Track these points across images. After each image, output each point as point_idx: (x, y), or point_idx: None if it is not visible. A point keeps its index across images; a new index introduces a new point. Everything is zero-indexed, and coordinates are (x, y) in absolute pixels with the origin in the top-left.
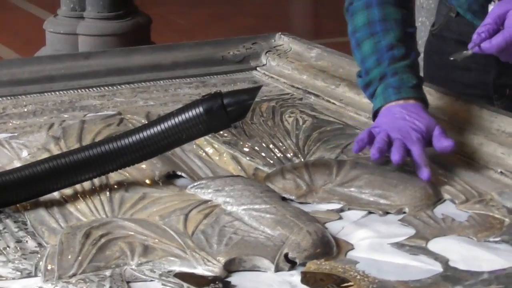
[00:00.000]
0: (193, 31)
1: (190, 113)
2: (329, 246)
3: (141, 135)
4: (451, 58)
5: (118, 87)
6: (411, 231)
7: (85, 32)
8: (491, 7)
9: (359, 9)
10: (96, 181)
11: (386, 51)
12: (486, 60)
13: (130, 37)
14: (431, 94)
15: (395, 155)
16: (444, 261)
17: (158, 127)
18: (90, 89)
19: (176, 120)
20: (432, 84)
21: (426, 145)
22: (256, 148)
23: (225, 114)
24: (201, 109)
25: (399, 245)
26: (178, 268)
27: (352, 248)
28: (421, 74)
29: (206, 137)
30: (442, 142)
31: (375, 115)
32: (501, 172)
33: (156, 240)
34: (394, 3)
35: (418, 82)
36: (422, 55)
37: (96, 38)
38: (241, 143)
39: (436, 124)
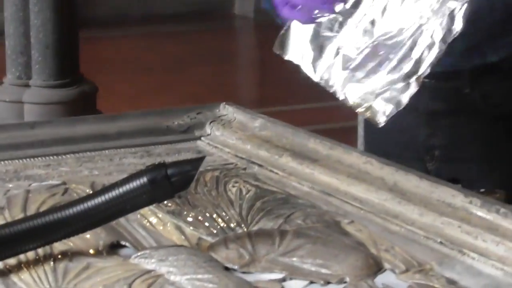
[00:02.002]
0: (139, 99)
1: (135, 183)
2: None
3: (86, 205)
4: None
5: (63, 156)
6: None
7: (31, 100)
8: None
9: None
10: (40, 250)
11: None
12: (416, 121)
13: (76, 105)
14: (373, 164)
15: None
16: None
17: (103, 197)
18: (35, 159)
19: (121, 190)
20: (373, 150)
21: None
22: (199, 218)
23: (169, 184)
24: (145, 179)
25: None
26: None
27: None
28: (361, 143)
29: (150, 206)
30: None
31: None
32: (440, 242)
33: None
34: None
35: None
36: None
37: (42, 106)
38: (185, 212)
39: None
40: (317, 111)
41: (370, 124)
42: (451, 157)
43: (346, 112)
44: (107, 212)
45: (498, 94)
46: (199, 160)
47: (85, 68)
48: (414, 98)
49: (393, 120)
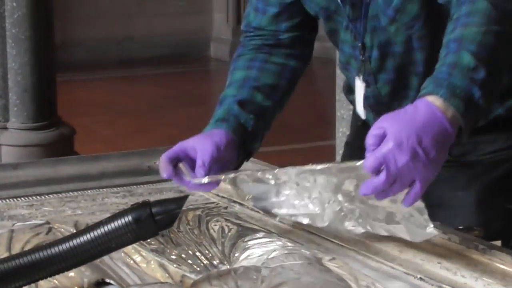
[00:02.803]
0: (117, 141)
1: (119, 222)
2: None
3: (71, 243)
4: None
5: (46, 196)
6: None
7: (8, 142)
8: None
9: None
10: None
11: (237, 105)
12: None
13: (54, 148)
14: None
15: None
16: None
17: (88, 236)
18: (18, 199)
19: (106, 229)
20: None
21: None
22: (183, 255)
23: (154, 222)
24: (130, 218)
25: None
26: None
27: None
28: None
29: (134, 245)
30: None
31: None
32: (420, 278)
33: None
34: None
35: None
36: None
37: (20, 149)
38: (168, 250)
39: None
40: (293, 152)
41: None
42: None
43: (323, 153)
44: (92, 251)
45: (462, 147)
46: (183, 198)
47: (62, 111)
48: None
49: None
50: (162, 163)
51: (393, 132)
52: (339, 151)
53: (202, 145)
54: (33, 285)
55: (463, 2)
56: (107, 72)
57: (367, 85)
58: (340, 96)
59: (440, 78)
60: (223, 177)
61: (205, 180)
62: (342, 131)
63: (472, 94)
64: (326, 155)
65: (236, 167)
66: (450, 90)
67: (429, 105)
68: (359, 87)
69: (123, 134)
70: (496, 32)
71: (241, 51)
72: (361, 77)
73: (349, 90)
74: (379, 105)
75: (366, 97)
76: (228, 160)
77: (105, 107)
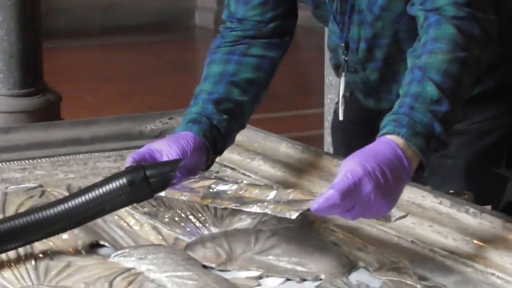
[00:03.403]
0: (102, 108)
1: (114, 185)
2: None
3: (65, 205)
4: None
5: (39, 160)
6: None
7: None
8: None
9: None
10: (21, 250)
11: (212, 103)
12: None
13: (41, 114)
14: None
15: None
16: None
17: (83, 198)
18: (11, 162)
19: (100, 191)
20: (340, 157)
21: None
22: (175, 218)
23: (148, 185)
24: (124, 180)
25: None
26: None
27: None
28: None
29: (127, 208)
30: None
31: None
32: (411, 241)
33: None
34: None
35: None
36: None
37: (6, 115)
38: (161, 214)
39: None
40: (283, 120)
41: (335, 135)
42: None
43: (311, 121)
44: (86, 213)
45: None
46: (177, 161)
47: (48, 78)
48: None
49: (359, 123)
50: (127, 165)
51: (358, 162)
52: (328, 117)
53: (168, 150)
54: (28, 246)
55: (429, 24)
56: (92, 40)
57: (355, 72)
58: (328, 63)
59: (402, 113)
60: (179, 194)
61: (163, 193)
62: (331, 98)
63: (433, 130)
64: (312, 123)
65: (206, 168)
66: (411, 128)
67: (390, 143)
68: (341, 85)
69: (108, 101)
70: (462, 58)
71: (220, 43)
72: (343, 75)
73: (336, 67)
74: (368, 88)
75: (354, 82)
76: (194, 165)
77: (90, 75)
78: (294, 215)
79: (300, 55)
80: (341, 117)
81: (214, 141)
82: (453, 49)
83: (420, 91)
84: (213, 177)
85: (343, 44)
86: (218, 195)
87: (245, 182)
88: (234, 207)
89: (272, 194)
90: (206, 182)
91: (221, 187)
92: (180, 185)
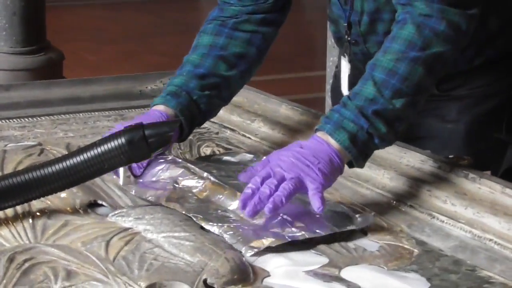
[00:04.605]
0: (103, 67)
1: (113, 144)
2: (246, 273)
3: (64, 164)
4: None
5: (38, 118)
6: (324, 260)
7: None
8: None
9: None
10: (19, 208)
11: (195, 78)
12: None
13: (43, 73)
14: None
15: None
16: None
17: (81, 157)
18: (11, 120)
19: (99, 150)
20: None
21: None
22: None
23: (146, 145)
24: (123, 139)
25: (313, 273)
26: None
27: (268, 275)
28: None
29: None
30: None
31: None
32: (410, 205)
33: (79, 265)
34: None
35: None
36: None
37: (8, 73)
38: None
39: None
40: (285, 82)
41: (335, 98)
42: (409, 136)
43: (314, 83)
44: (85, 171)
45: (452, 83)
46: (175, 122)
47: (50, 36)
48: None
49: None
50: None
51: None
52: (329, 80)
53: None
54: (25, 204)
55: (397, 22)
56: None
57: (356, 44)
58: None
59: (335, 109)
60: (147, 193)
61: (132, 191)
62: (333, 60)
63: (360, 126)
64: (315, 86)
65: (181, 140)
66: (336, 124)
67: (316, 138)
68: (345, 66)
69: (110, 60)
70: (413, 57)
71: (216, 15)
72: (346, 58)
73: (338, 38)
74: (367, 59)
75: (354, 53)
76: None
77: (92, 34)
78: (249, 253)
79: (304, 16)
80: (346, 92)
81: (192, 116)
82: (406, 49)
83: (360, 89)
84: (180, 161)
85: (346, 17)
86: (184, 193)
87: (211, 178)
88: (194, 219)
89: (234, 204)
90: (174, 172)
91: (187, 182)
92: (149, 172)
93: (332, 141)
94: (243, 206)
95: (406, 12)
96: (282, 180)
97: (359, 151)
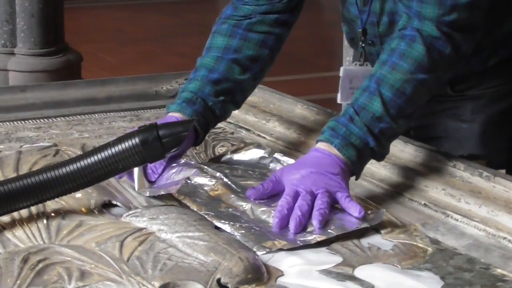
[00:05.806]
0: (122, 68)
1: (127, 144)
2: (260, 272)
3: (78, 164)
4: None
5: (54, 119)
6: (338, 259)
7: (16, 68)
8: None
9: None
10: (33, 208)
11: (210, 83)
12: None
13: (61, 74)
14: None
15: None
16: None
17: (95, 157)
18: (26, 121)
19: (113, 150)
20: None
21: None
22: None
23: (160, 145)
24: (137, 140)
25: (327, 272)
26: None
27: (282, 275)
28: None
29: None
30: None
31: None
32: (424, 204)
33: (93, 265)
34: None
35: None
36: None
37: (26, 74)
38: None
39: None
40: (303, 82)
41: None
42: (425, 136)
43: (332, 83)
44: (99, 172)
45: (466, 83)
46: (190, 122)
47: (68, 38)
48: None
49: None
50: None
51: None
52: None
53: None
54: (40, 205)
55: (405, 36)
56: (113, 0)
57: (372, 44)
58: None
59: (341, 123)
60: (161, 192)
61: (146, 193)
62: (349, 60)
63: (367, 143)
64: (333, 86)
65: (195, 145)
66: (344, 139)
67: (323, 152)
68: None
69: (129, 62)
70: (419, 80)
71: (230, 14)
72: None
73: (352, 39)
74: None
75: (369, 54)
76: (183, 149)
77: (111, 35)
78: (260, 252)
79: (323, 16)
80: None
81: (207, 123)
82: (414, 70)
83: (366, 104)
84: (193, 163)
85: (364, 18)
86: (195, 189)
87: (223, 179)
88: (206, 216)
89: (247, 206)
90: (187, 173)
91: (199, 179)
92: (163, 177)
93: (338, 154)
94: (281, 225)
95: (415, 29)
96: (312, 194)
97: (361, 165)
